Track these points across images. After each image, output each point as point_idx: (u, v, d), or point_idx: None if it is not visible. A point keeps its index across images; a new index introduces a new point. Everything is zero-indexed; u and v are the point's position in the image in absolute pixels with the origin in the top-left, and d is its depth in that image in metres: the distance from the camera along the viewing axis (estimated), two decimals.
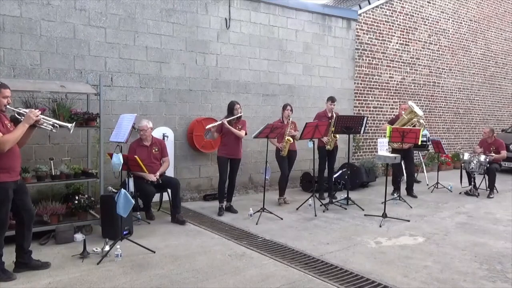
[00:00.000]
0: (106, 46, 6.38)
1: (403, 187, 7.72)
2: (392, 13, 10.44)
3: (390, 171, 7.71)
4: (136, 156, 4.91)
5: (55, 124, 4.01)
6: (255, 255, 4.45)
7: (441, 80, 11.90)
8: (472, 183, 7.89)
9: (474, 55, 12.81)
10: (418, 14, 11.07)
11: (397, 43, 10.61)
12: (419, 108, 8.03)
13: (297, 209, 6.50)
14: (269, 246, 4.77)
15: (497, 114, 13.96)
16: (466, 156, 7.96)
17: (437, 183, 8.52)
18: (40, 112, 3.86)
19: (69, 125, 4.18)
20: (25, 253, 3.93)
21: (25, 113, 3.79)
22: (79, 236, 4.81)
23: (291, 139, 6.59)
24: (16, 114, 3.89)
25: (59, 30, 5.98)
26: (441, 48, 11.78)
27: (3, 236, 3.79)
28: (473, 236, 5.29)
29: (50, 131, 4.05)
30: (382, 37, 10.28)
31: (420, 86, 11.33)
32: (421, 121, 7.26)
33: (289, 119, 6.81)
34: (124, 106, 6.54)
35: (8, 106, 3.77)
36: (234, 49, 7.74)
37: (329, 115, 7.12)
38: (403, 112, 7.50)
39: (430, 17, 11.41)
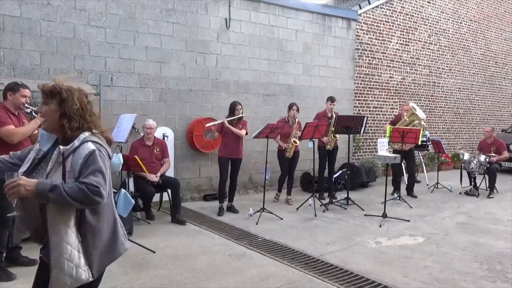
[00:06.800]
0: (106, 46, 6.38)
1: (403, 187, 7.72)
2: (392, 13, 10.44)
3: (390, 171, 7.71)
4: (136, 156, 4.91)
5: None
6: (255, 255, 4.45)
7: (441, 80, 11.90)
8: (472, 183, 7.89)
9: (474, 55, 12.81)
10: (418, 14, 11.07)
11: (397, 43, 10.61)
12: (420, 108, 8.01)
13: (297, 209, 6.50)
14: (269, 246, 4.77)
15: (497, 114, 13.96)
16: (466, 156, 7.96)
17: (437, 183, 8.52)
18: None
19: None
20: (14, 249, 3.93)
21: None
22: None
23: (297, 141, 6.59)
24: (33, 113, 4.02)
25: (59, 30, 5.98)
26: (441, 48, 11.78)
27: (6, 234, 3.79)
28: (473, 236, 5.30)
29: None
30: (382, 37, 10.27)
31: (420, 86, 11.33)
32: (423, 123, 7.24)
33: (295, 119, 6.78)
34: (124, 106, 6.54)
35: (26, 105, 3.92)
36: (234, 49, 7.74)
37: (329, 115, 7.13)
38: (404, 113, 7.50)
39: (430, 17, 11.41)
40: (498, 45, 13.58)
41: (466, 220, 6.09)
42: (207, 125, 6.27)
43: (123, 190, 4.44)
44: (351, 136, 7.06)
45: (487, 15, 13.12)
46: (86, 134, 1.99)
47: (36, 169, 1.99)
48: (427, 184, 8.74)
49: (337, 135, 7.06)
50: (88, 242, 1.94)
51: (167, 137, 6.78)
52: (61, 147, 1.91)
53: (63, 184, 1.82)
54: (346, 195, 6.87)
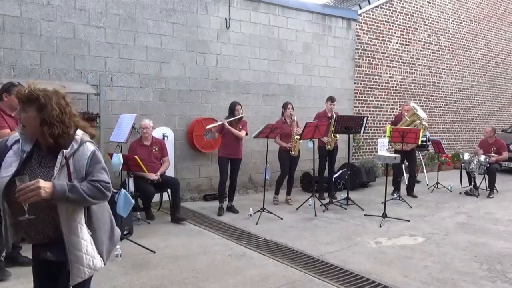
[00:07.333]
0: (106, 46, 6.38)
1: (403, 187, 7.72)
2: (392, 13, 10.43)
3: (390, 171, 7.71)
4: (136, 156, 4.91)
5: None
6: (255, 255, 4.45)
7: (441, 80, 11.90)
8: (472, 183, 7.88)
9: (474, 55, 12.81)
10: (418, 14, 11.07)
11: (397, 43, 10.61)
12: (421, 108, 8.01)
13: (297, 209, 6.51)
14: (269, 246, 4.77)
15: (497, 114, 13.96)
16: (466, 156, 7.96)
17: (437, 183, 8.52)
18: None
19: None
20: (13, 249, 3.90)
21: None
22: None
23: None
24: None
25: (59, 30, 5.98)
26: (441, 48, 11.78)
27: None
28: (473, 236, 5.30)
29: None
30: (382, 37, 10.27)
31: (420, 86, 11.33)
32: (424, 123, 7.23)
33: (292, 117, 6.75)
34: (124, 106, 6.54)
35: None
36: (234, 49, 7.74)
37: (329, 115, 7.12)
38: (405, 113, 7.49)
39: (430, 17, 11.41)
40: (498, 45, 13.58)
41: (466, 220, 6.09)
42: (207, 127, 6.27)
43: (123, 190, 4.43)
44: (351, 136, 7.06)
45: (487, 15, 13.12)
46: (80, 134, 2.02)
47: (24, 169, 1.97)
48: (427, 184, 8.74)
49: (337, 135, 7.06)
50: (97, 234, 2.08)
51: (167, 137, 6.79)
52: (64, 151, 1.94)
53: (79, 183, 1.91)
54: (346, 195, 6.87)
